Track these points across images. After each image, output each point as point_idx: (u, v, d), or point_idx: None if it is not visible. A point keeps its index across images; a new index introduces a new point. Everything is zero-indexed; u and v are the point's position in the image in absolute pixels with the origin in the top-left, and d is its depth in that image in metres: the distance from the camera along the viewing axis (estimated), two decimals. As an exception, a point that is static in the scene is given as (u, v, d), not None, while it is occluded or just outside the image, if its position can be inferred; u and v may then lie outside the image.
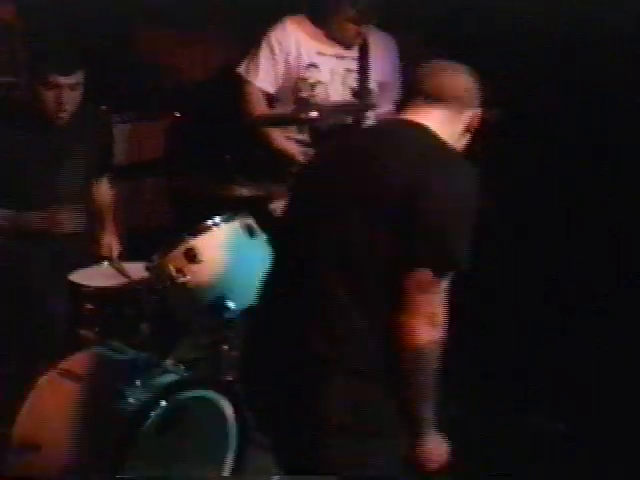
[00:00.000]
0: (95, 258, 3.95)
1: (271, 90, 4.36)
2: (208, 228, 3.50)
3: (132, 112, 5.14)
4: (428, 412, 2.45)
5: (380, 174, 2.49)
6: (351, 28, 4.27)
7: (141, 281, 3.64)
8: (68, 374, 3.31)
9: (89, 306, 3.59)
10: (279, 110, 4.38)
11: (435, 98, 2.64)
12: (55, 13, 5.07)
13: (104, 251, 4.04)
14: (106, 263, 3.89)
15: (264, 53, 4.34)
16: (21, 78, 5.10)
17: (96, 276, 3.76)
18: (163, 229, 4.49)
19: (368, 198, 2.47)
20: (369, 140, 2.68)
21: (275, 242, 2.89)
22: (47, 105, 3.78)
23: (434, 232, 2.41)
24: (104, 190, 4.22)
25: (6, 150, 3.81)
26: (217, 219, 3.52)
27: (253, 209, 3.68)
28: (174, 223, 4.75)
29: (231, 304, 3.41)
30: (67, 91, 3.78)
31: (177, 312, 3.57)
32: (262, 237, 3.57)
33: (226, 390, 3.32)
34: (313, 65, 4.32)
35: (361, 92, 4.33)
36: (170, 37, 5.40)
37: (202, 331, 3.57)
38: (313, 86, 4.31)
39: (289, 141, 4.33)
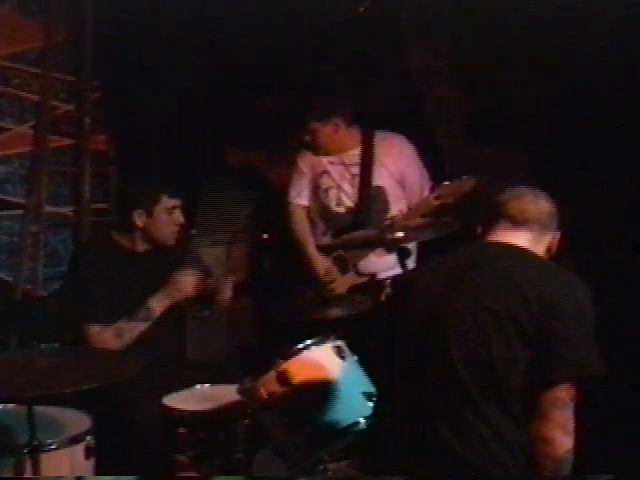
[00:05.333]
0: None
1: (305, 203, 4.83)
2: (299, 351, 3.52)
3: (222, 235, 5.28)
4: None
5: (508, 297, 2.67)
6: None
7: (234, 404, 3.67)
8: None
9: (183, 430, 3.64)
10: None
11: (520, 222, 2.84)
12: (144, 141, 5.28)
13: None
14: (198, 386, 3.94)
15: (295, 174, 4.87)
16: (113, 204, 5.31)
17: (189, 400, 3.80)
18: (255, 352, 4.53)
19: (500, 319, 2.64)
20: (486, 263, 2.82)
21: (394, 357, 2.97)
22: (165, 228, 4.05)
23: (573, 348, 2.60)
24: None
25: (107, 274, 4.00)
26: (308, 342, 3.54)
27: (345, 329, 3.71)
28: (266, 346, 4.81)
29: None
30: (179, 212, 4.07)
31: (270, 435, 3.57)
32: (353, 358, 3.58)
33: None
34: (326, 172, 4.78)
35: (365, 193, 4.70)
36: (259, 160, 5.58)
37: (297, 453, 3.55)
38: (327, 191, 4.75)
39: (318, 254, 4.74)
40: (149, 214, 4.02)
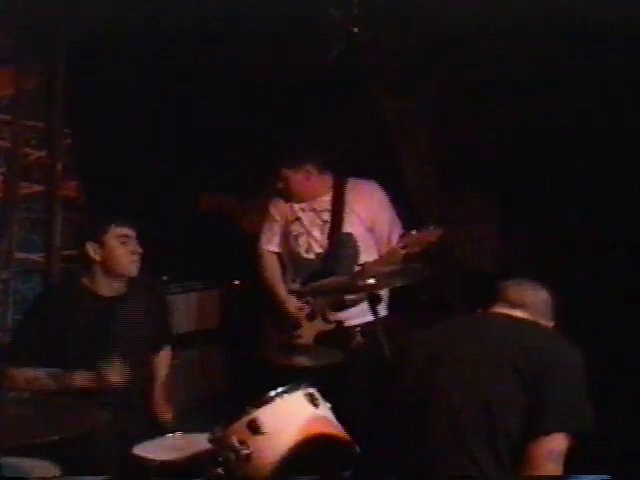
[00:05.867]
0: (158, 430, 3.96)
1: (276, 250, 4.84)
2: (271, 399, 3.47)
3: (194, 282, 5.26)
4: None
5: (509, 347, 2.86)
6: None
7: (205, 453, 3.63)
8: None
9: (153, 480, 3.59)
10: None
11: (518, 304, 3.07)
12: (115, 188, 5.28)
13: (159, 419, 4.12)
14: (170, 435, 3.89)
15: (267, 221, 4.88)
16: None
17: (160, 449, 3.75)
18: (226, 399, 4.51)
19: (502, 367, 2.81)
20: (488, 322, 3.09)
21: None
22: (121, 257, 4.04)
23: (569, 400, 2.75)
24: (163, 360, 4.31)
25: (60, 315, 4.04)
26: (280, 390, 3.52)
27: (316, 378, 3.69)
28: (236, 393, 4.78)
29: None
30: (134, 242, 4.08)
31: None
32: (326, 406, 3.56)
33: None
34: (298, 219, 4.77)
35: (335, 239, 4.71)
36: (232, 206, 5.58)
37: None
38: (297, 237, 4.74)
39: (291, 297, 4.73)
40: (101, 245, 4.05)
